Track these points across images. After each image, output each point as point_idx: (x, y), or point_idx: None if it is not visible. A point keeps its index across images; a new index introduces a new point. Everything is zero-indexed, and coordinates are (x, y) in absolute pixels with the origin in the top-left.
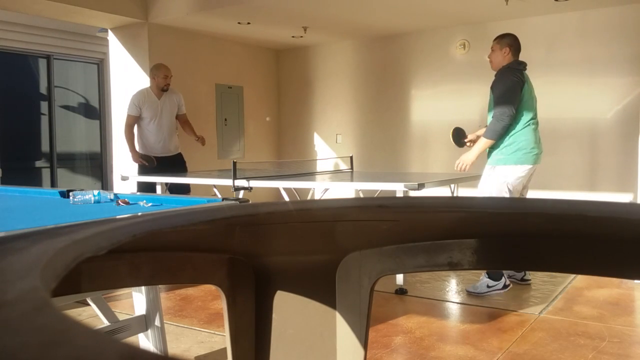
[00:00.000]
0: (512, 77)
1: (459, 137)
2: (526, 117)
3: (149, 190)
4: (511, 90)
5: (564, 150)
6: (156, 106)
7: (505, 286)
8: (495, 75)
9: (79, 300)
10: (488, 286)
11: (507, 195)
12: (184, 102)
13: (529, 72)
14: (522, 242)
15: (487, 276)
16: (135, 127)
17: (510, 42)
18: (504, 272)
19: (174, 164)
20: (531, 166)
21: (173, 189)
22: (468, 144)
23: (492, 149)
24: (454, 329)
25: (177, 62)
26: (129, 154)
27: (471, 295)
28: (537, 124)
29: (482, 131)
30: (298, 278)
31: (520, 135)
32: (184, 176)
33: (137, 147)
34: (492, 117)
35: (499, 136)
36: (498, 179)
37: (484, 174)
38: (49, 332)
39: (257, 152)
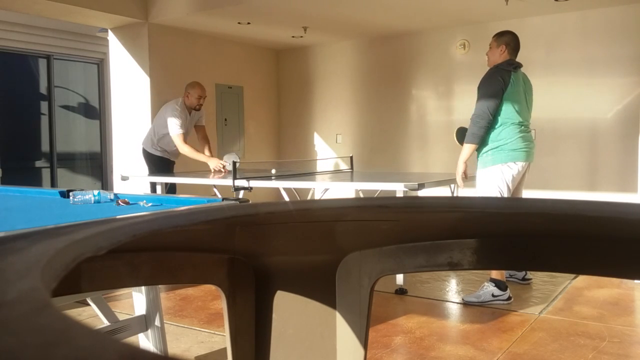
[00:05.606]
0: (497, 78)
1: (462, 136)
2: (510, 118)
3: (169, 191)
4: (492, 94)
5: (564, 150)
6: (185, 121)
7: (509, 297)
8: (485, 74)
9: (79, 300)
10: (493, 295)
11: (503, 195)
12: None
13: (529, 73)
14: (522, 242)
15: (493, 285)
16: (153, 129)
17: (507, 40)
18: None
19: (172, 169)
20: (523, 163)
21: (171, 189)
22: None
23: (479, 152)
24: (454, 329)
25: (177, 62)
26: (210, 164)
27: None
28: (526, 128)
29: None
30: (298, 278)
31: (504, 133)
32: (186, 176)
33: (151, 149)
34: (470, 119)
35: (479, 139)
36: (491, 180)
37: (477, 179)
38: (49, 332)
39: (257, 152)
